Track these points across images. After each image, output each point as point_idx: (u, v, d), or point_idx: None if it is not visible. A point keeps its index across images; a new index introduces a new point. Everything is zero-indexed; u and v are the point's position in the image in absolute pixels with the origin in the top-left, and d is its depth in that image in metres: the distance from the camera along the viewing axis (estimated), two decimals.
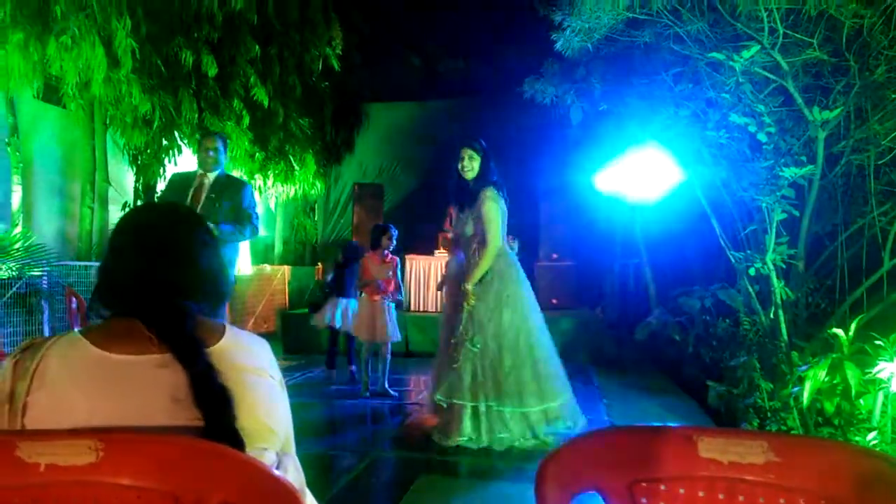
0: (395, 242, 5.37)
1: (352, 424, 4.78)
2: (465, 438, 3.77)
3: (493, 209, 3.87)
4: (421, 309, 8.61)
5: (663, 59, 4.71)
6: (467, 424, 3.78)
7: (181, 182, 4.40)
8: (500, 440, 3.76)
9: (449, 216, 8.45)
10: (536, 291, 9.67)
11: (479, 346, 3.80)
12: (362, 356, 5.33)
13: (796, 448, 0.98)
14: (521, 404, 3.80)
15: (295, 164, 9.76)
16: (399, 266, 5.47)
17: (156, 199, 7.59)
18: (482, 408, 3.77)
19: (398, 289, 5.40)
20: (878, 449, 2.75)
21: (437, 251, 8.63)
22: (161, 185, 7.94)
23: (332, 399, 5.27)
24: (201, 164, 4.38)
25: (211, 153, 4.33)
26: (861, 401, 2.99)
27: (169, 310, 1.13)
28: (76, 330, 1.14)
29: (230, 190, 4.34)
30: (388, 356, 5.32)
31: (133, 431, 0.99)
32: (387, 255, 5.35)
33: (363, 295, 5.36)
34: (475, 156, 3.98)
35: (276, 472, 0.99)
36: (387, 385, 5.29)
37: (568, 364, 6.97)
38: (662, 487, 0.98)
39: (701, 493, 0.97)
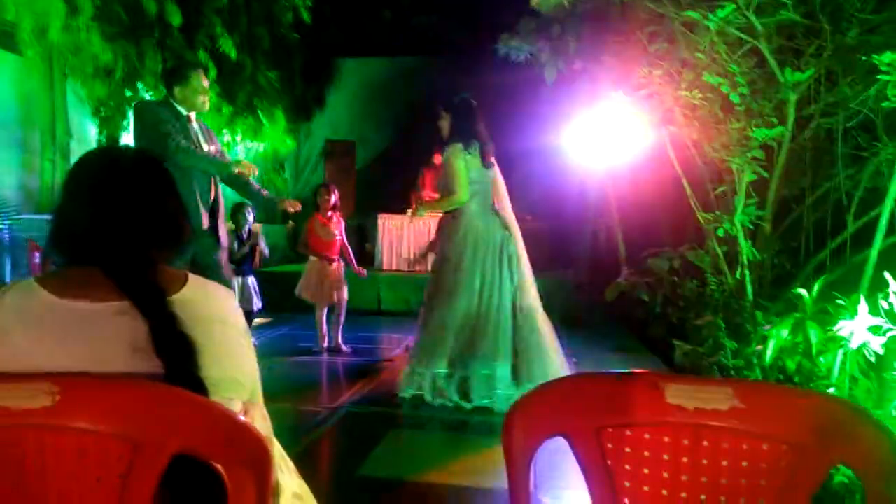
0: (334, 200, 5.28)
1: (323, 381, 4.80)
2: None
3: (452, 163, 3.91)
4: (394, 268, 8.59)
5: (638, 18, 4.67)
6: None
7: (169, 117, 3.58)
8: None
9: (422, 176, 8.40)
10: None
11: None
12: (316, 318, 5.37)
13: (760, 394, 0.99)
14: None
15: (264, 120, 9.54)
16: (344, 226, 5.45)
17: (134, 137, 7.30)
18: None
19: (346, 249, 5.40)
20: None
21: (409, 210, 8.58)
22: (127, 139, 7.72)
23: (302, 357, 5.27)
24: (193, 104, 3.66)
25: (205, 91, 3.69)
26: (821, 359, 3.06)
27: (128, 257, 1.10)
28: (31, 278, 1.10)
29: (213, 135, 3.94)
30: (343, 314, 5.38)
31: (91, 375, 0.97)
32: (331, 216, 5.30)
33: (312, 258, 5.33)
34: (444, 114, 4.05)
35: (241, 418, 0.98)
36: (340, 341, 5.40)
37: None
38: (628, 433, 0.99)
39: (666, 439, 0.98)
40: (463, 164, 3.90)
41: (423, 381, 3.85)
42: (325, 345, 5.38)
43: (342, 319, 5.41)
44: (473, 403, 3.76)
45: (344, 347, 5.41)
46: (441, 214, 4.25)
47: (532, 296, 4.00)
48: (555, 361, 3.89)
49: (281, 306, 7.44)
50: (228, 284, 3.97)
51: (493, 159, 4.08)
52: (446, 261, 3.95)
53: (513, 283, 3.95)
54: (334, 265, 5.28)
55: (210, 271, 3.75)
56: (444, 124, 4.05)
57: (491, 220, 4.00)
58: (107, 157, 1.34)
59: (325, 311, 5.35)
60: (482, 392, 3.78)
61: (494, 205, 4.05)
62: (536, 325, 3.91)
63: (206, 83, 3.74)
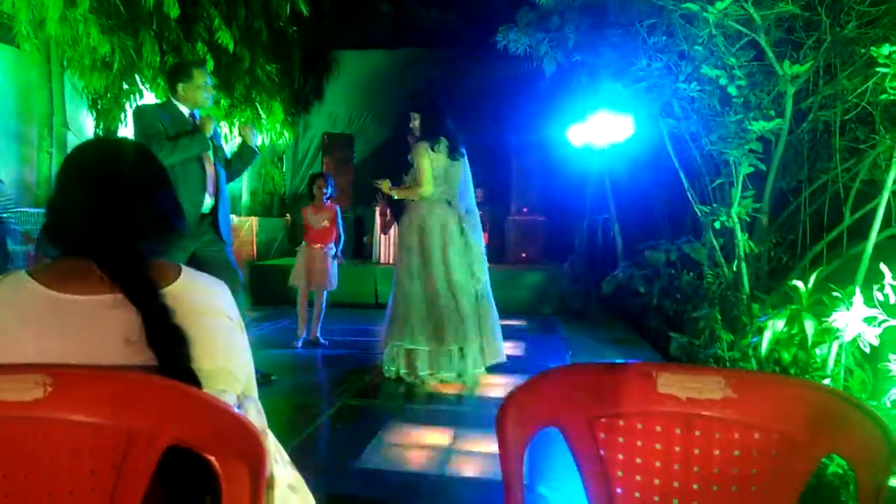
0: (329, 191, 5.37)
1: (320, 374, 4.80)
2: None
3: (418, 160, 4.21)
4: (391, 261, 8.58)
5: (637, 10, 4.65)
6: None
7: (158, 120, 3.60)
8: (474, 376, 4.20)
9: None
10: (507, 245, 9.71)
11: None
12: (298, 304, 5.36)
13: (752, 384, 0.99)
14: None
15: (262, 112, 9.51)
16: (340, 215, 5.45)
17: (124, 138, 7.33)
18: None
19: (339, 239, 5.41)
20: None
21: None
22: (123, 131, 7.69)
23: (300, 349, 5.28)
24: (196, 100, 3.73)
25: (208, 87, 3.75)
26: (817, 350, 3.07)
27: (121, 250, 1.09)
28: (23, 270, 1.10)
29: (218, 134, 4.02)
30: (324, 306, 5.37)
31: (83, 367, 0.96)
32: (326, 204, 5.34)
33: (302, 244, 5.40)
34: (415, 115, 4.35)
35: (234, 410, 0.98)
36: (318, 334, 5.38)
37: (536, 316, 7.15)
38: (621, 422, 0.99)
39: (658, 428, 0.98)
40: (428, 161, 4.20)
41: (398, 358, 4.20)
42: (303, 336, 5.35)
43: (322, 312, 5.35)
44: (438, 376, 4.10)
45: (321, 341, 5.35)
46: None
47: (484, 281, 4.31)
48: (501, 345, 4.32)
49: (279, 299, 7.47)
50: (236, 277, 3.99)
51: (462, 151, 4.35)
52: (410, 247, 4.28)
53: (471, 268, 4.23)
54: (319, 250, 5.27)
55: (212, 265, 3.78)
56: (416, 124, 4.34)
57: (450, 210, 4.28)
58: (100, 148, 1.33)
59: (306, 299, 5.33)
60: (446, 367, 4.11)
61: (455, 196, 4.31)
62: (489, 310, 4.28)
63: (209, 80, 3.81)
